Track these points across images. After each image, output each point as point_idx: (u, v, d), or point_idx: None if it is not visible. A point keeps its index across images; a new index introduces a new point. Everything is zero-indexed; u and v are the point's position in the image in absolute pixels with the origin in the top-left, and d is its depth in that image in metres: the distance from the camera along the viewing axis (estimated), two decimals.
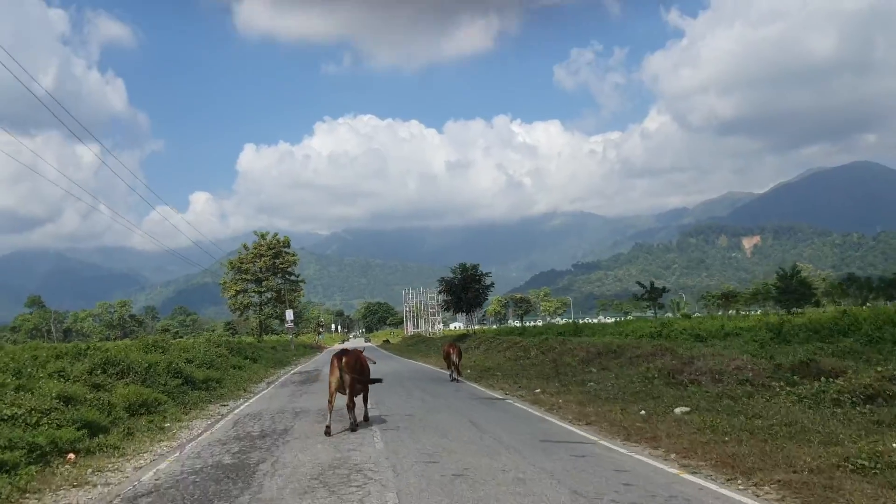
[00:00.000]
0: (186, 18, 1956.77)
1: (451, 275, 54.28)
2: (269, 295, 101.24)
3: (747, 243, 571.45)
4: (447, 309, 55.87)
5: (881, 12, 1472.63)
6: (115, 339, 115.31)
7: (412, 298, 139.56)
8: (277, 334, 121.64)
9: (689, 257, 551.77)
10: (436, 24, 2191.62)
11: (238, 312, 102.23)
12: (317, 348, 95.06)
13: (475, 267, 53.70)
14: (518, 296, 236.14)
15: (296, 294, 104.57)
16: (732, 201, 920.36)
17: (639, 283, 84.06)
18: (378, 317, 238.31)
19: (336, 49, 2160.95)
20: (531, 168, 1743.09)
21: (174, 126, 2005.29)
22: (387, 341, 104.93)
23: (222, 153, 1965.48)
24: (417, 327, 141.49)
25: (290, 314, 79.17)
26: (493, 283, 55.38)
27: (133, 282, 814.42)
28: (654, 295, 79.99)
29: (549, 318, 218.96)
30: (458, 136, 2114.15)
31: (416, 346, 72.08)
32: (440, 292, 54.99)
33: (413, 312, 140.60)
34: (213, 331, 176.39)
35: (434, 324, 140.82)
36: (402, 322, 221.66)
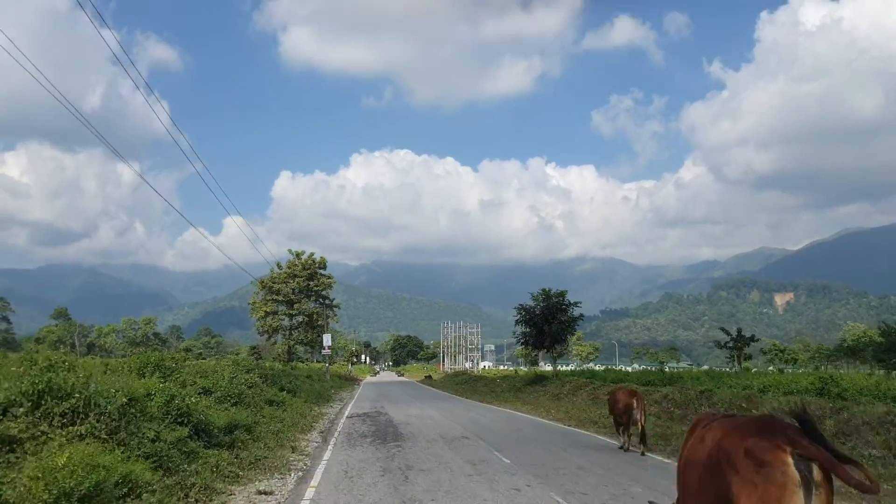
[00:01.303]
0: (233, 44, 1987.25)
1: (532, 302, 44.37)
2: (299, 319, 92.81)
3: (780, 300, 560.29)
4: (524, 343, 45.60)
5: None
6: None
7: (451, 332, 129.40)
8: (303, 362, 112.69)
9: (719, 310, 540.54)
10: (477, 64, 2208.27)
11: (266, 335, 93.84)
12: (352, 380, 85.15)
13: (561, 294, 43.78)
14: None
15: (330, 319, 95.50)
16: (765, 256, 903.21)
17: (722, 328, 73.07)
18: (407, 350, 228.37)
19: (377, 83, 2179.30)
20: (564, 211, 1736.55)
21: (214, 150, 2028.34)
22: (429, 377, 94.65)
23: (258, 179, 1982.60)
24: (455, 364, 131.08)
25: (327, 339, 69.73)
26: (581, 315, 45.31)
27: (162, 301, 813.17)
28: (740, 343, 68.99)
29: (582, 364, 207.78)
30: (493, 175, 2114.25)
31: (470, 384, 62.09)
32: (517, 322, 44.88)
33: (451, 348, 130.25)
34: (238, 354, 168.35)
35: (475, 361, 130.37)
36: (432, 357, 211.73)
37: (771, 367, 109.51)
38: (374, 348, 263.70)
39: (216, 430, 14.10)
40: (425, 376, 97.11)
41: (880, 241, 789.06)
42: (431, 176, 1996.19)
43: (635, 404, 17.03)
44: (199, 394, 19.55)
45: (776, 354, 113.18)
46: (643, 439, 17.00)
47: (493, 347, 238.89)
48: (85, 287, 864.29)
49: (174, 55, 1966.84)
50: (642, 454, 16.57)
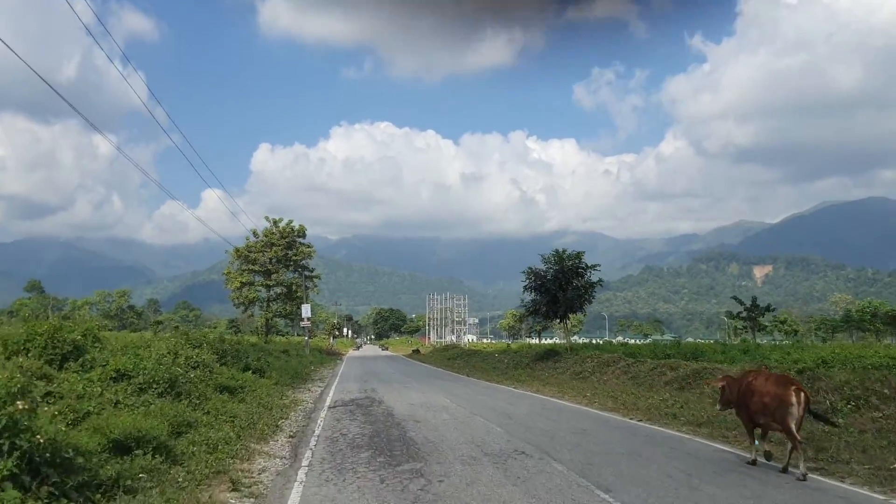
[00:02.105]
0: (210, 14, 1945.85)
1: (543, 266, 37.81)
2: (278, 290, 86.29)
3: (758, 272, 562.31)
4: (533, 313, 38.89)
5: None
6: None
7: (437, 305, 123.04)
8: (283, 335, 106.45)
9: (699, 283, 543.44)
10: (459, 36, 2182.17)
11: (242, 307, 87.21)
12: (334, 354, 78.61)
13: (577, 256, 37.22)
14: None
15: (310, 291, 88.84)
16: (744, 230, 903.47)
17: (735, 298, 67.18)
18: (390, 324, 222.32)
19: (357, 54, 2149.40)
20: (545, 185, 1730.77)
21: (192, 122, 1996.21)
22: (417, 351, 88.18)
23: (237, 151, 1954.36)
24: (441, 337, 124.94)
25: (306, 310, 62.99)
26: (600, 281, 38.79)
27: (140, 275, 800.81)
28: (754, 314, 63.08)
29: (568, 336, 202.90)
30: (474, 149, 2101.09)
31: (464, 359, 55.77)
32: (526, 289, 38.36)
33: (437, 321, 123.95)
34: (216, 328, 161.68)
35: (460, 334, 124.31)
36: (416, 330, 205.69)
37: (780, 339, 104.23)
38: (357, 322, 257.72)
39: (83, 460, 7.38)
40: (413, 350, 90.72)
41: (858, 214, 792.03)
42: (412, 149, 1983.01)
43: (793, 399, 10.53)
44: (110, 380, 12.91)
45: (776, 326, 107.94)
46: (797, 446, 10.53)
47: (476, 321, 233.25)
48: (62, 261, 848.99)
49: (151, 25, 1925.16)
50: (803, 477, 10.13)
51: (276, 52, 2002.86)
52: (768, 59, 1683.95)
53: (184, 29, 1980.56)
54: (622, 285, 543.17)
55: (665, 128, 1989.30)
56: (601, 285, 38.17)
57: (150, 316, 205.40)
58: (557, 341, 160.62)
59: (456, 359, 60.33)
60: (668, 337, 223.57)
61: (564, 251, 37.88)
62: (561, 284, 37.07)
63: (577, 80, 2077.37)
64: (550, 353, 38.96)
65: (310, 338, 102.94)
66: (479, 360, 51.89)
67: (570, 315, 37.93)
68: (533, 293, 38.25)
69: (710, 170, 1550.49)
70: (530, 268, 38.67)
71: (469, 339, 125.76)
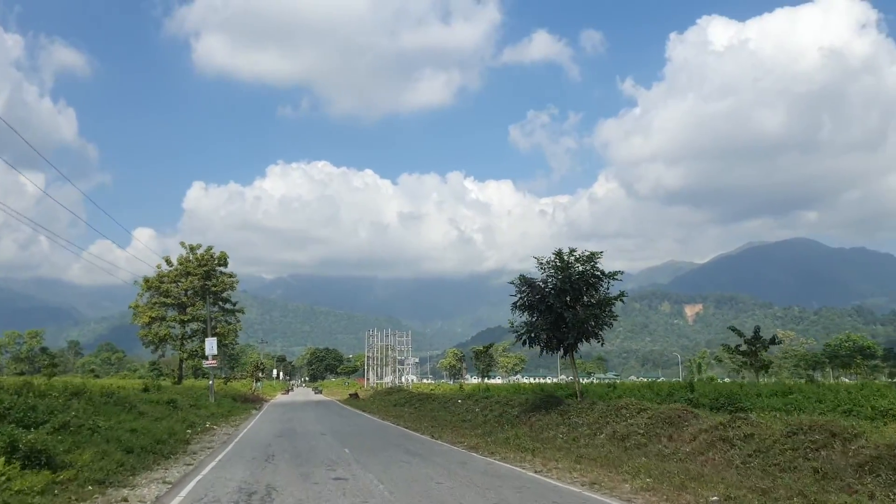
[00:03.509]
0: (143, 51, 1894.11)
1: (540, 272, 25.51)
2: (194, 326, 72.84)
3: (690, 311, 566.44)
4: (529, 341, 25.82)
5: (828, 95, 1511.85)
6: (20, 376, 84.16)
7: (377, 342, 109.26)
8: (207, 377, 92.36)
9: (633, 321, 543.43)
10: (397, 76, 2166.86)
11: (153, 347, 73.38)
12: (253, 401, 64.69)
13: (591, 258, 25.00)
14: (482, 347, 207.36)
15: (230, 326, 75.53)
16: (674, 269, 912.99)
17: (733, 328, 56.22)
18: (325, 364, 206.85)
19: (294, 92, 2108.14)
20: (482, 225, 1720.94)
21: (123, 160, 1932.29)
22: (355, 395, 74.33)
23: (170, 190, 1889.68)
24: (381, 378, 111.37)
25: (211, 344, 49.57)
26: (623, 294, 26.55)
27: (67, 316, 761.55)
28: (755, 347, 52.04)
29: (508, 377, 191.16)
30: (413, 188, 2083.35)
31: (417, 407, 43.26)
32: (516, 306, 25.95)
33: (377, 360, 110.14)
34: (136, 371, 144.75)
35: (401, 374, 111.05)
36: (353, 371, 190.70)
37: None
38: (290, 363, 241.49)
39: None
40: (350, 394, 76.76)
41: (781, 254, 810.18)
42: (350, 188, 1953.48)
43: None
44: None
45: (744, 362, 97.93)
46: None
47: (417, 360, 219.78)
48: None
49: (81, 60, 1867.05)
50: None
51: (211, 89, 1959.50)
52: (696, 103, 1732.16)
53: (116, 65, 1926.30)
54: None
55: (598, 170, 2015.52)
56: (622, 301, 26.13)
57: (71, 359, 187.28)
58: (521, 380, 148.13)
59: (404, 405, 47.54)
60: (610, 375, 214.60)
61: (573, 251, 25.77)
62: (568, 300, 24.96)
63: (513, 121, 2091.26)
64: (551, 401, 26.56)
65: (226, 380, 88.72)
66: (438, 408, 39.31)
67: (579, 344, 25.58)
68: (527, 312, 26.01)
69: (641, 211, 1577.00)
70: (522, 276, 26.37)
71: (410, 379, 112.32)
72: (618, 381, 65.40)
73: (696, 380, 78.09)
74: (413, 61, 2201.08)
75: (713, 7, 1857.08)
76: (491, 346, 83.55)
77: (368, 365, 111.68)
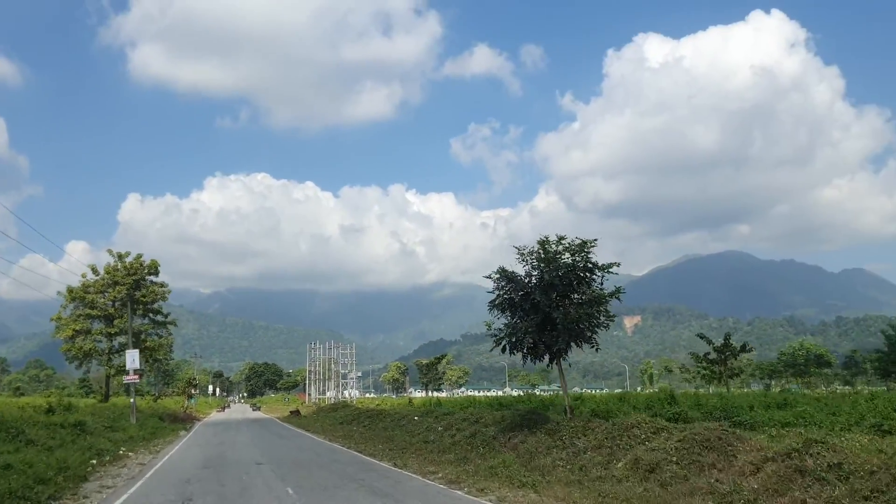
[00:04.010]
0: (77, 60, 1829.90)
1: (523, 264, 21.21)
2: (122, 339, 66.69)
3: (628, 322, 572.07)
4: (511, 347, 21.35)
5: (759, 112, 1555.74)
6: None
7: (320, 355, 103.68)
8: (143, 395, 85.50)
9: None
10: (338, 88, 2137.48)
11: (77, 362, 67.10)
12: (184, 420, 58.84)
13: (582, 247, 21.77)
14: (432, 359, 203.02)
15: (161, 340, 69.75)
16: (613, 282, 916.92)
17: (702, 335, 53.14)
18: (264, 380, 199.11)
19: (233, 103, 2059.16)
20: (424, 237, 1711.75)
21: (55, 171, 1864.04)
22: (296, 412, 68.77)
23: (104, 202, 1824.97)
24: (323, 393, 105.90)
25: (132, 357, 44.03)
26: (620, 291, 22.35)
27: None
28: (725, 355, 48.98)
29: (453, 390, 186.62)
30: (354, 201, 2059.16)
31: (368, 425, 38.71)
32: (494, 306, 21.52)
33: (319, 374, 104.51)
34: (64, 389, 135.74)
35: (343, 388, 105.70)
36: (294, 386, 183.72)
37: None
38: (228, 378, 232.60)
39: None
40: (291, 411, 71.12)
41: (715, 266, 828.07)
42: (291, 201, 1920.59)
43: None
44: None
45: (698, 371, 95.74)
46: None
47: (359, 374, 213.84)
48: None
49: (13, 69, 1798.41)
50: None
51: (148, 99, 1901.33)
52: (633, 119, 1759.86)
53: (48, 74, 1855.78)
54: None
55: (538, 183, 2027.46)
56: (619, 298, 22.00)
57: None
58: (464, 392, 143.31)
59: (352, 423, 42.81)
60: (554, 387, 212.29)
61: (561, 238, 21.56)
62: (557, 297, 20.77)
63: (455, 134, 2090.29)
64: (534, 419, 22.25)
65: (155, 397, 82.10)
66: (392, 426, 34.70)
67: (569, 349, 21.30)
68: (507, 313, 21.68)
69: (580, 224, 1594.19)
70: (502, 269, 21.93)
71: (353, 394, 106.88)
72: (583, 393, 61.63)
73: (648, 390, 75.33)
74: (354, 74, 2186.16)
75: (649, 25, 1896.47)
76: (443, 357, 78.92)
77: (310, 379, 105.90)
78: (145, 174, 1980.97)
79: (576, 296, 21.30)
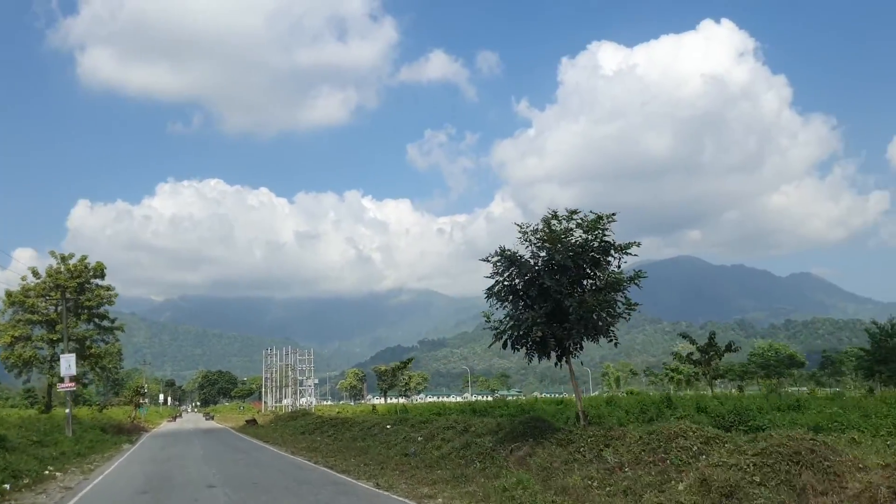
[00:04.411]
0: (24, 63, 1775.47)
1: (524, 244, 17.73)
2: (66, 346, 61.51)
3: None
4: (517, 340, 17.89)
5: (709, 120, 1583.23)
6: None
7: (276, 361, 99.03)
8: (92, 405, 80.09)
9: None
10: (293, 93, 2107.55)
11: (16, 371, 62.05)
12: (130, 431, 54.22)
13: (596, 223, 18.46)
14: (383, 367, 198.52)
15: (108, 346, 65.11)
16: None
17: (684, 335, 50.26)
18: (218, 388, 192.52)
19: (185, 108, 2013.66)
20: (381, 244, 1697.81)
21: (2, 177, 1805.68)
22: (253, 421, 64.39)
23: (53, 208, 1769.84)
24: (279, 401, 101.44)
25: (68, 363, 39.77)
26: (639, 275, 18.70)
27: None
28: (709, 355, 46.40)
29: (412, 396, 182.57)
30: (310, 207, 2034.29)
31: (334, 435, 35.05)
32: (493, 294, 18.06)
33: (275, 381, 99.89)
34: (7, 399, 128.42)
35: (302, 395, 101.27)
36: (249, 394, 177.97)
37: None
38: (180, 387, 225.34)
39: None
40: (247, 420, 66.58)
41: (668, 272, 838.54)
42: (245, 207, 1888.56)
43: None
44: None
45: (666, 374, 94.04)
46: None
47: (316, 381, 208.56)
48: None
49: None
50: None
51: (98, 104, 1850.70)
52: (588, 126, 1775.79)
53: None
54: (459, 342, 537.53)
55: (494, 189, 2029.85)
56: (638, 284, 18.61)
57: None
58: (428, 398, 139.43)
59: (315, 433, 39.01)
60: (513, 392, 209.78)
61: (572, 213, 18.17)
62: (568, 281, 17.39)
63: (411, 140, 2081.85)
64: (538, 426, 18.76)
65: (101, 407, 76.88)
66: (362, 435, 31.08)
67: (582, 343, 17.89)
68: (511, 301, 18.21)
69: None
70: (502, 249, 18.40)
71: (310, 402, 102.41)
72: (562, 397, 58.46)
73: (615, 394, 72.81)
74: (309, 79, 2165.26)
75: (602, 33, 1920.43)
76: (409, 361, 75.02)
77: (266, 387, 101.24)
78: (95, 180, 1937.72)
79: (589, 281, 17.95)
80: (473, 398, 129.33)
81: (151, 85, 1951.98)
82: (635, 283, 17.98)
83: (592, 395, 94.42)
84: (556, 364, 18.48)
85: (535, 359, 18.39)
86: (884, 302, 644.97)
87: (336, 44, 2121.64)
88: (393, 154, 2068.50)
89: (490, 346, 19.27)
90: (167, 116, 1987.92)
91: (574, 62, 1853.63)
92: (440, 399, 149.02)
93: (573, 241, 17.75)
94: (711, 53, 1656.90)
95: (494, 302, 18.62)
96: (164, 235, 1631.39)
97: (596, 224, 17.82)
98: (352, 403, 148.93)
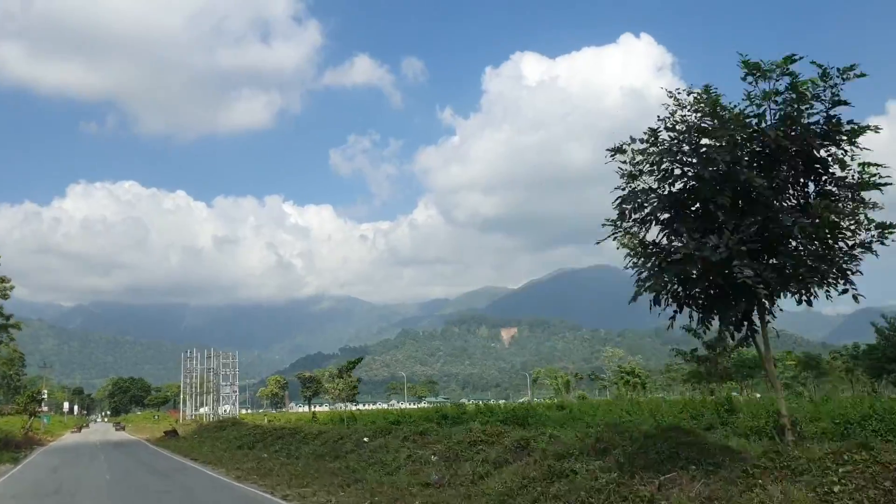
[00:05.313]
0: None
1: (692, 111, 10.33)
2: None
3: (506, 334, 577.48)
4: (677, 296, 10.58)
5: (629, 131, 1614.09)
6: None
7: (197, 365, 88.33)
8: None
9: (452, 345, 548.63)
10: (213, 95, 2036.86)
11: None
12: (20, 445, 43.95)
13: (824, 77, 9.97)
14: (307, 374, 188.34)
15: (0, 346, 55.00)
16: (490, 294, 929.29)
17: (687, 327, 42.43)
18: (130, 396, 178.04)
19: (99, 107, 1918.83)
20: (302, 250, 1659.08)
21: None
22: (173, 432, 54.26)
23: None
24: (199, 408, 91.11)
25: None
26: (887, 182, 11.07)
27: None
28: (715, 353, 39.62)
29: (335, 404, 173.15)
30: (229, 211, 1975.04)
31: (288, 450, 26.64)
32: (634, 206, 10.36)
33: (195, 388, 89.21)
34: None
35: (224, 403, 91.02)
36: (164, 402, 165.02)
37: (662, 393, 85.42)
38: (89, 396, 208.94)
39: None
40: (165, 432, 56.29)
41: (587, 280, 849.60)
42: (160, 210, 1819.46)
43: None
44: None
45: (621, 377, 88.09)
46: None
47: (236, 388, 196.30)
48: None
49: None
50: None
51: (6, 100, 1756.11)
52: (511, 135, 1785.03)
53: None
54: (381, 349, 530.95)
55: (418, 196, 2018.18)
56: (881, 189, 10.69)
57: None
58: (328, 408, 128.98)
59: (255, 447, 30.36)
60: (440, 399, 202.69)
61: (789, 58, 10.22)
62: (776, 185, 9.71)
63: (334, 145, 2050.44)
64: (684, 442, 10.96)
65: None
66: (326, 452, 22.95)
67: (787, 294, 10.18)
68: (665, 222, 10.44)
69: (459, 237, 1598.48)
70: (654, 130, 10.54)
71: (230, 410, 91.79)
72: (556, 401, 49.95)
73: (565, 400, 66.26)
74: (230, 81, 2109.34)
75: (526, 44, 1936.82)
76: (359, 360, 65.81)
77: (185, 393, 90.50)
78: (1, 179, 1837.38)
79: (811, 186, 10.29)
80: (405, 405, 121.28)
81: (64, 83, 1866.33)
82: (879, 189, 10.13)
83: (545, 399, 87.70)
84: (745, 333, 10.65)
85: (713, 328, 10.56)
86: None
87: (259, 46, 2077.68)
88: (316, 159, 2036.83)
89: (634, 299, 11.29)
90: (80, 115, 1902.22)
91: (498, 71, 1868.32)
92: (389, 406, 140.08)
93: (796, 111, 10.02)
94: (631, 67, 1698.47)
95: (630, 225, 10.67)
96: (75, 239, 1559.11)
97: (824, 80, 10.04)
98: (272, 411, 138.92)
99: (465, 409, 38.47)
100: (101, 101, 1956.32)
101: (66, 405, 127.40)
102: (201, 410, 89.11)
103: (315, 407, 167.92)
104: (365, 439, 23.17)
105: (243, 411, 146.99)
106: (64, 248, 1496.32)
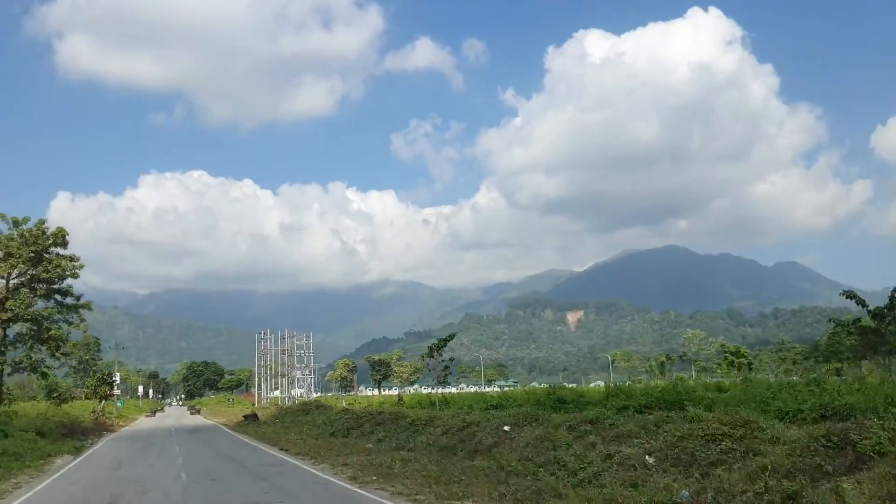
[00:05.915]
0: (1, 52, 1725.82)
1: None
2: (19, 327, 49.75)
3: (572, 318, 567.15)
4: None
5: (697, 108, 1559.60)
6: None
7: (272, 346, 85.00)
8: (62, 399, 66.26)
9: (517, 329, 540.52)
10: (277, 83, 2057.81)
11: None
12: (88, 432, 40.53)
13: None
14: (377, 357, 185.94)
15: (73, 326, 52.16)
16: (554, 277, 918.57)
17: (849, 294, 35.46)
18: (204, 380, 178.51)
19: (167, 98, 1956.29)
20: (365, 236, 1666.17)
21: None
22: (253, 416, 50.37)
23: (32, 200, 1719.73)
24: (272, 391, 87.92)
25: None
26: None
27: None
28: (889, 320, 32.62)
29: (404, 387, 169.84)
30: (294, 199, 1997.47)
31: (391, 441, 21.35)
32: None
33: (270, 370, 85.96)
34: None
35: (299, 385, 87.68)
36: (237, 385, 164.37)
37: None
38: (164, 380, 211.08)
39: None
40: (245, 416, 52.28)
41: (655, 261, 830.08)
42: (229, 199, 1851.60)
43: None
44: None
45: (724, 358, 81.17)
46: None
47: (307, 371, 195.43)
48: None
49: None
50: None
51: (77, 93, 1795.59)
52: (575, 114, 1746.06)
53: None
54: (445, 333, 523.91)
55: (479, 179, 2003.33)
56: None
57: None
58: (398, 391, 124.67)
59: (350, 434, 25.55)
60: (511, 382, 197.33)
61: None
62: None
63: (395, 130, 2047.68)
64: None
65: (49, 401, 63.02)
66: (455, 444, 17.76)
67: None
68: None
69: (521, 220, 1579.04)
70: None
71: (303, 393, 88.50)
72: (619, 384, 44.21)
73: (661, 381, 60.20)
74: (293, 67, 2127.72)
75: (590, 21, 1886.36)
76: (451, 337, 59.72)
77: (261, 375, 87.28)
78: (76, 171, 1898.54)
79: None
80: (497, 389, 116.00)
81: (132, 74, 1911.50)
82: None
83: (610, 383, 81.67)
84: None
85: None
86: (867, 290, 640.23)
87: (321, 31, 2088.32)
88: (378, 144, 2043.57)
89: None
90: (149, 106, 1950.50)
91: (561, 50, 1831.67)
92: (458, 390, 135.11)
93: None
94: (699, 41, 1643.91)
95: None
96: (147, 228, 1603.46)
97: None
98: (340, 394, 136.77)
99: (581, 392, 32.73)
100: (167, 91, 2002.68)
101: (140, 389, 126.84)
102: (275, 393, 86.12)
103: (384, 391, 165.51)
104: (506, 428, 17.98)
105: (318, 394, 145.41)
106: (137, 237, 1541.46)
